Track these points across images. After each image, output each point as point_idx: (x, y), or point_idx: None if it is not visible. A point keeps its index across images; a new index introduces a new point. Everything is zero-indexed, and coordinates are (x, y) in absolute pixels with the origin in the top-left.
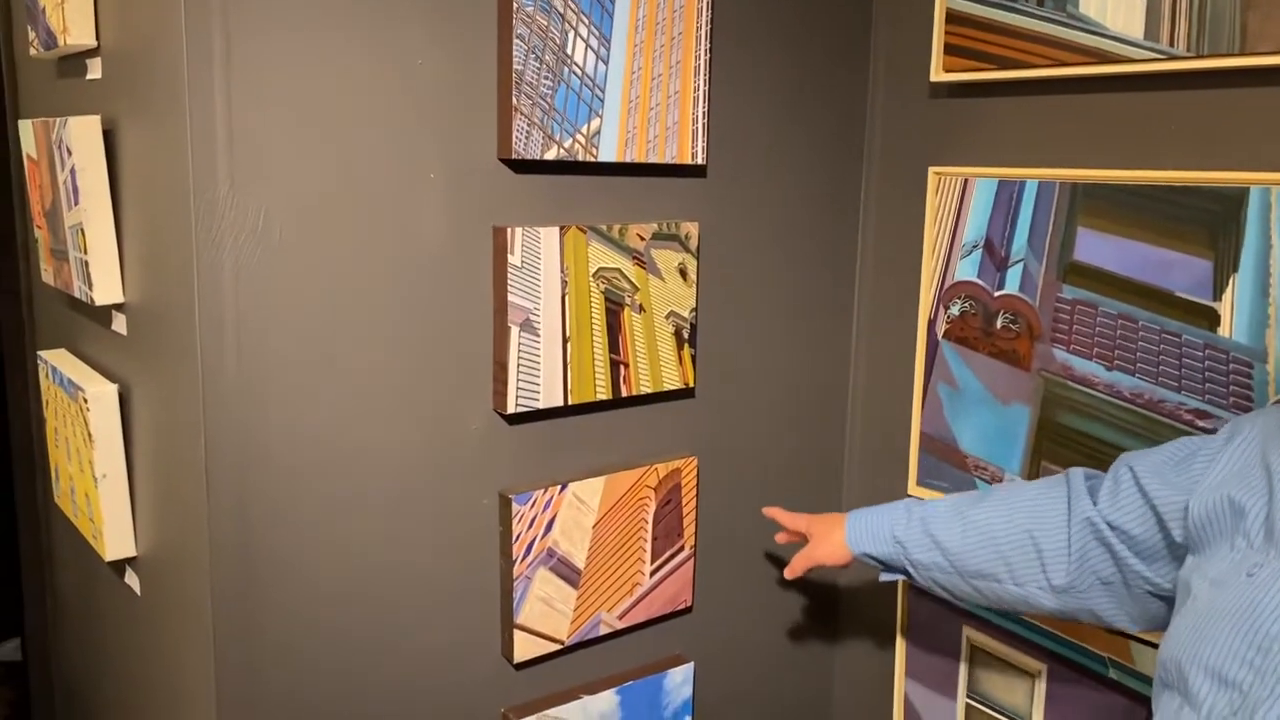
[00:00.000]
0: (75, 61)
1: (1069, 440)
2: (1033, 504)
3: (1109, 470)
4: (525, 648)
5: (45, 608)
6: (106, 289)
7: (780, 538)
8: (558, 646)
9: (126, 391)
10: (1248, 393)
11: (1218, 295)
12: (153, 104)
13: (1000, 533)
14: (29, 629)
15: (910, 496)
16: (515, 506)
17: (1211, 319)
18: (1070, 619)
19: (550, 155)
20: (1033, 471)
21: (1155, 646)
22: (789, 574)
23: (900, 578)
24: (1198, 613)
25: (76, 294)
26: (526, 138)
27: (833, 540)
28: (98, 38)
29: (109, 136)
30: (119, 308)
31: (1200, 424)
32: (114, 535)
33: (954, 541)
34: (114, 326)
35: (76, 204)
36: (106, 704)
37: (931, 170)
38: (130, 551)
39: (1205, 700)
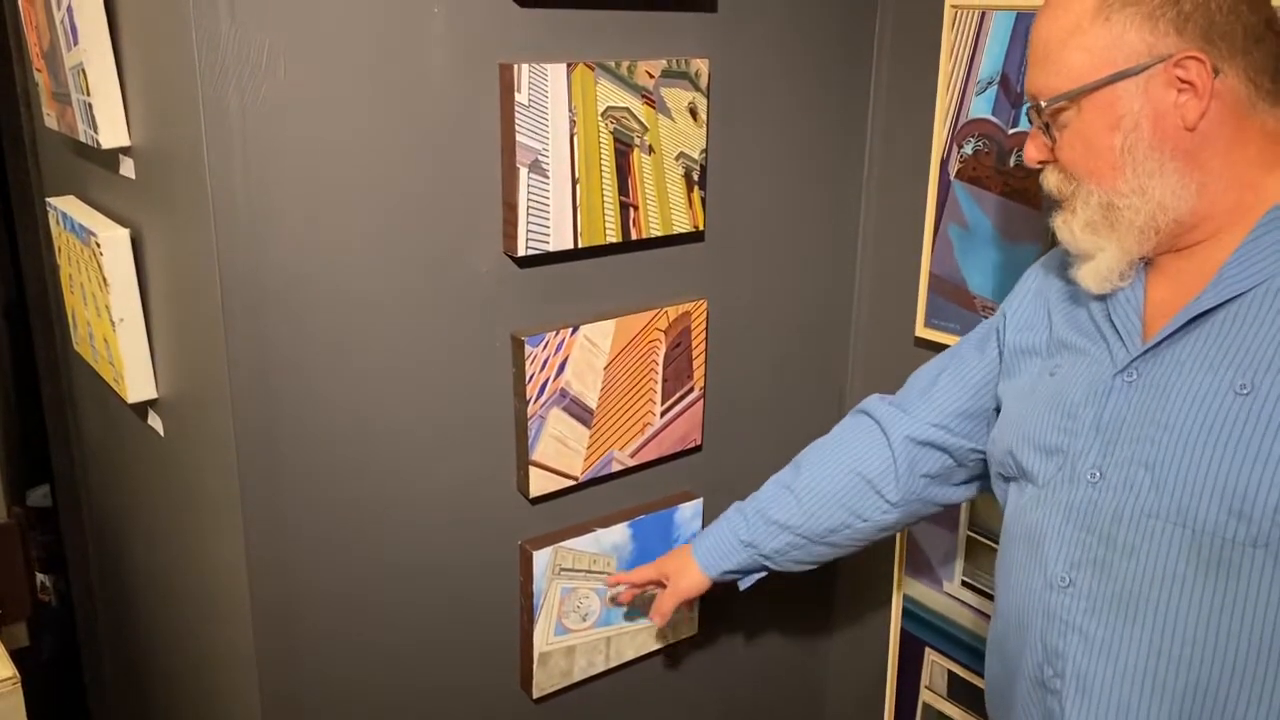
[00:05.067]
0: None
1: None
2: (849, 448)
3: (906, 385)
4: (540, 483)
5: (71, 454)
6: (112, 131)
7: (625, 597)
8: (572, 483)
9: (139, 235)
10: None
11: None
12: None
13: (831, 486)
14: (57, 475)
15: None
16: (528, 348)
17: None
18: (912, 521)
19: None
20: None
21: None
22: (658, 619)
23: (758, 577)
24: (1017, 411)
25: (82, 138)
26: None
27: (688, 573)
28: None
29: None
30: (126, 151)
31: None
32: (135, 378)
33: (795, 516)
34: (122, 171)
35: (76, 44)
36: (137, 543)
37: (948, 3)
38: (152, 394)
39: (1039, 471)
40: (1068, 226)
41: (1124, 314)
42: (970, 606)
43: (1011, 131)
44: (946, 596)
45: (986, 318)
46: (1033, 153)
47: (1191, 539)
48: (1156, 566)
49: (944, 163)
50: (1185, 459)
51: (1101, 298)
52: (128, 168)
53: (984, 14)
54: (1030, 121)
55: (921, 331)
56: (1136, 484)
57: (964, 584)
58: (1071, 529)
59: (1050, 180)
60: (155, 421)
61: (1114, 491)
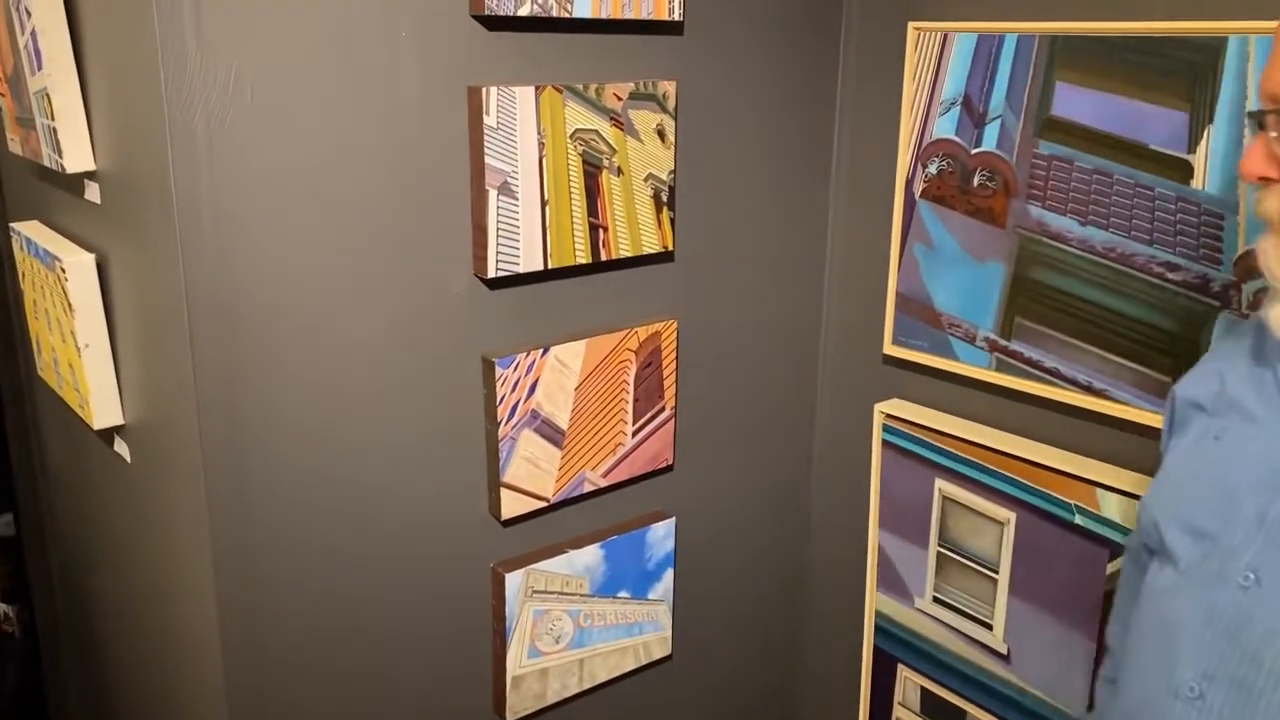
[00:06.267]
0: None
1: (1042, 296)
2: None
3: None
4: (512, 505)
5: (35, 481)
6: (77, 156)
7: None
8: (544, 504)
9: (104, 260)
10: (1217, 244)
11: (1192, 148)
12: None
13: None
14: (21, 502)
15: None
16: (498, 370)
17: (1185, 171)
18: None
19: (524, 11)
20: (1006, 328)
21: (1121, 493)
22: None
23: None
24: (1171, 476)
25: (46, 162)
26: None
27: None
28: None
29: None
30: (91, 176)
31: (1170, 276)
32: (101, 403)
33: None
34: (87, 195)
35: (40, 69)
36: (102, 570)
37: (911, 25)
38: (118, 419)
39: (1182, 554)
40: (1277, 255)
41: None
42: (941, 622)
43: (974, 151)
44: (918, 612)
45: (953, 335)
46: (1257, 165)
47: None
48: None
49: (909, 182)
50: None
51: None
52: (93, 192)
53: (946, 36)
54: (1262, 128)
55: (889, 349)
56: None
57: (935, 599)
58: (1212, 634)
59: (1271, 204)
60: (122, 447)
61: (1269, 604)
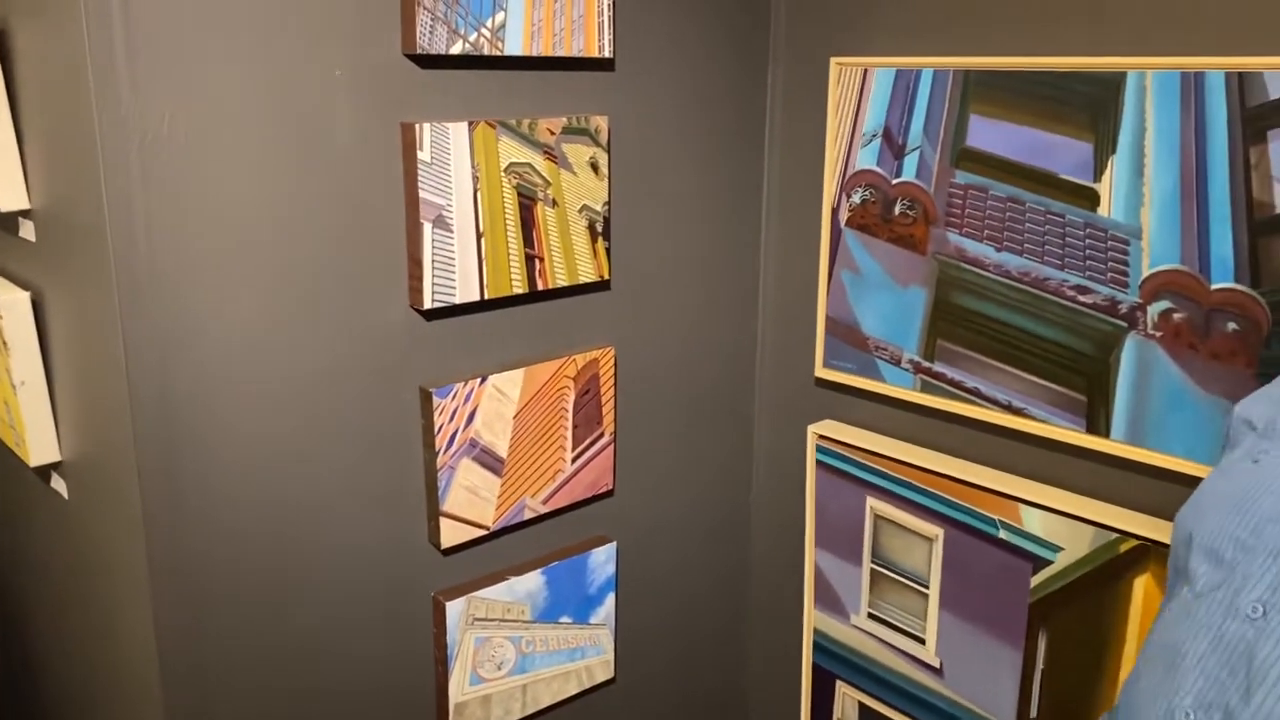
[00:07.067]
0: None
1: (962, 320)
2: None
3: None
4: (452, 534)
5: None
6: (11, 195)
7: None
8: (484, 532)
9: (40, 297)
10: (1124, 268)
11: (1098, 176)
12: (47, 4)
13: None
14: None
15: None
16: (436, 400)
17: (1092, 199)
18: None
19: (456, 49)
20: (928, 351)
21: (1042, 508)
22: None
23: None
24: (1205, 495)
25: None
26: (431, 32)
27: None
28: None
29: (1, 38)
30: (25, 214)
31: (1082, 299)
32: (37, 440)
33: None
34: (22, 234)
35: None
36: (41, 610)
37: (833, 61)
38: (55, 456)
39: (1200, 578)
40: None
41: None
42: (877, 638)
43: (895, 181)
44: (854, 629)
45: (879, 358)
46: None
47: None
48: None
49: (835, 212)
50: None
51: None
52: (28, 230)
53: (866, 71)
54: None
55: (821, 372)
56: None
57: (870, 615)
58: (1215, 663)
59: None
60: (59, 484)
61: (1271, 640)
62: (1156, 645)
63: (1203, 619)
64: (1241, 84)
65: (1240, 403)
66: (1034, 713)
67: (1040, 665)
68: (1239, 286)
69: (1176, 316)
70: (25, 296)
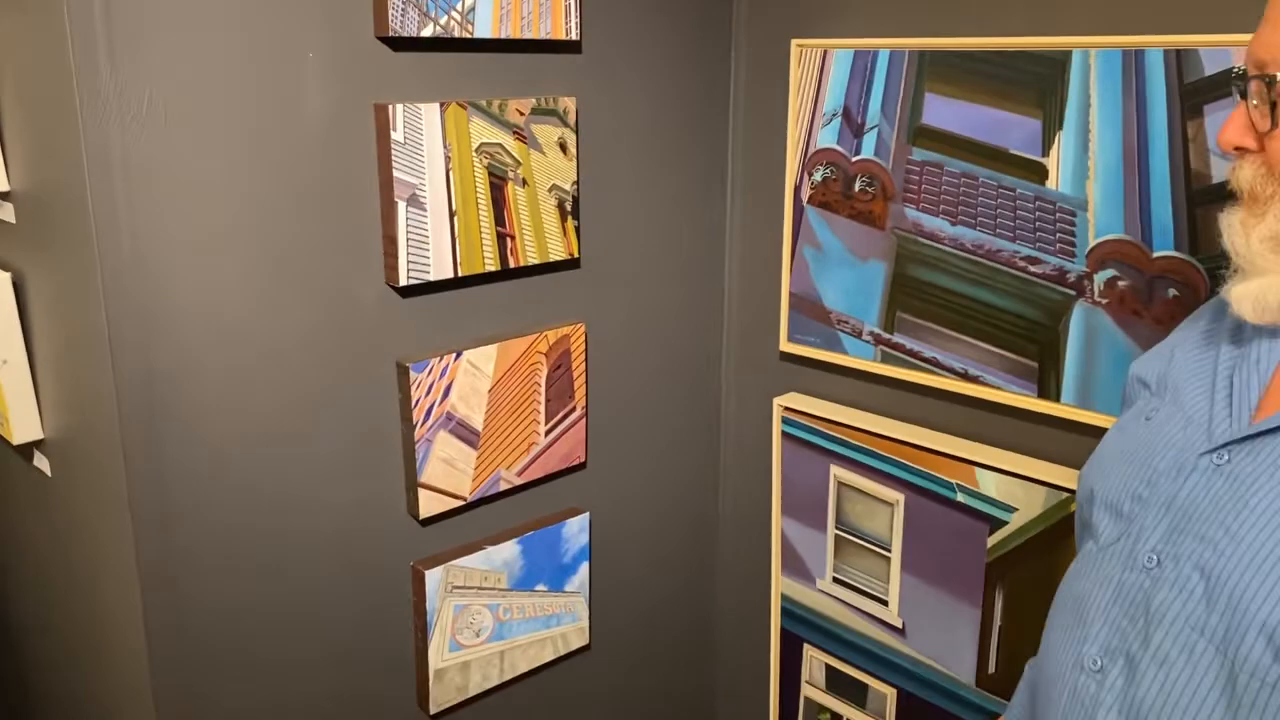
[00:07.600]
0: None
1: (920, 292)
2: None
3: None
4: (430, 505)
5: None
6: None
7: None
8: (461, 503)
9: (20, 278)
10: (1071, 239)
11: (1046, 151)
12: None
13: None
14: None
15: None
16: (413, 374)
17: (1041, 173)
18: None
19: (427, 32)
20: (888, 323)
21: (997, 470)
22: None
23: None
24: (1104, 452)
25: None
26: (402, 15)
27: None
28: None
29: None
30: (5, 196)
31: (1032, 269)
32: (20, 419)
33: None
34: (1, 215)
35: None
36: (26, 588)
37: (794, 42)
38: (37, 434)
39: (1102, 531)
40: (1244, 230)
41: (1245, 380)
42: (842, 601)
43: (854, 159)
44: (820, 593)
45: (841, 331)
46: (1233, 135)
47: (1229, 671)
48: (1185, 688)
49: (797, 189)
50: (1244, 580)
51: (1238, 343)
52: (7, 212)
53: (826, 52)
54: (1244, 96)
55: (785, 346)
56: (1189, 588)
57: (835, 580)
58: (1118, 611)
59: (1244, 174)
60: (42, 462)
61: (1165, 587)
62: (1066, 596)
63: (1105, 571)
64: (1179, 61)
65: (1135, 361)
66: (992, 668)
67: (998, 622)
68: (1179, 254)
69: (1121, 284)
70: (6, 277)
